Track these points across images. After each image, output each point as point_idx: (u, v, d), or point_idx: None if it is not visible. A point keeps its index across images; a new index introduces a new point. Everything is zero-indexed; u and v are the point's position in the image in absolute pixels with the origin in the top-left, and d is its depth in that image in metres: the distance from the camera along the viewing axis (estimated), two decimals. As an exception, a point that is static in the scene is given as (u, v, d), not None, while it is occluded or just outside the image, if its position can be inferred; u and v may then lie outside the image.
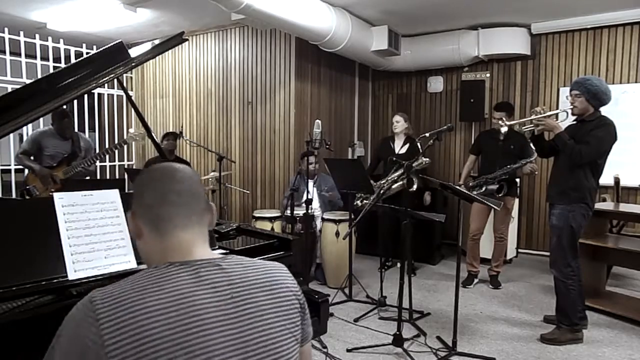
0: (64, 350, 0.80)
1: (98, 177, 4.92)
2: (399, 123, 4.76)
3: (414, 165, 3.45)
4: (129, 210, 1.00)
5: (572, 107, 3.15)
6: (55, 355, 0.81)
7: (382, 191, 3.43)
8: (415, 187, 4.27)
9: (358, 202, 4.32)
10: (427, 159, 4.03)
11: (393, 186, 4.09)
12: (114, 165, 6.12)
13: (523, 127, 3.43)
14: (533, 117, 3.21)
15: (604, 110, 3.18)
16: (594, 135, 3.02)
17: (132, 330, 0.77)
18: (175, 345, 0.78)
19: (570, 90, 3.20)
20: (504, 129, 3.60)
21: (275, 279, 0.95)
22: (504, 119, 3.62)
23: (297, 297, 0.97)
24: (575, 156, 3.04)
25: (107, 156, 5.66)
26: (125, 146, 5.67)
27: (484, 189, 4.19)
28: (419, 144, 4.37)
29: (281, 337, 0.90)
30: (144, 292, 0.82)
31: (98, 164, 3.99)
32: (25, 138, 4.42)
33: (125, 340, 0.76)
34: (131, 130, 4.40)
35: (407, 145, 4.74)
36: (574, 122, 3.26)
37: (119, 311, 0.79)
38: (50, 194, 1.60)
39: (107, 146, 6.19)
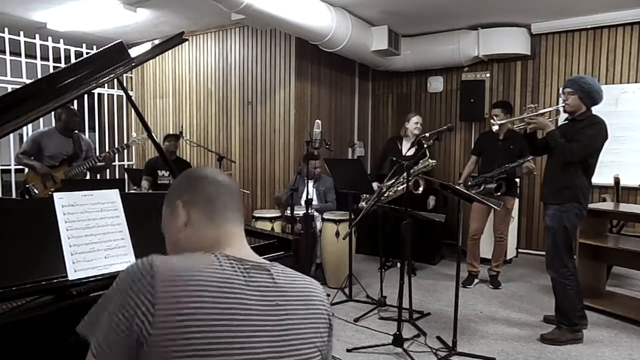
0: (115, 305, 0.80)
1: (98, 177, 4.92)
2: (421, 125, 4.69)
3: (417, 166, 3.44)
4: (138, 212, 1.02)
5: (564, 104, 3.16)
6: (106, 307, 0.81)
7: (383, 191, 3.42)
8: (421, 189, 4.26)
9: (363, 203, 4.30)
10: (434, 161, 4.01)
11: (398, 188, 4.07)
12: (114, 165, 6.12)
13: (515, 126, 3.46)
14: (525, 115, 3.23)
15: (600, 110, 3.20)
16: (585, 133, 3.05)
17: (185, 309, 0.77)
18: (219, 336, 0.78)
19: (564, 88, 3.22)
20: (495, 127, 3.72)
21: (313, 293, 0.97)
22: (494, 117, 3.68)
23: (328, 314, 0.99)
24: (567, 154, 3.06)
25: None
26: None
27: (482, 187, 4.20)
28: (425, 146, 4.38)
29: (311, 351, 0.91)
30: (203, 275, 0.83)
31: (98, 164, 3.98)
32: (25, 138, 4.42)
33: (175, 316, 0.77)
34: (133, 135, 4.41)
35: (414, 147, 4.61)
36: (566, 122, 3.29)
37: (177, 284, 0.79)
38: (50, 193, 1.60)
39: (107, 148, 6.20)
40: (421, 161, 3.93)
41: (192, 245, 0.97)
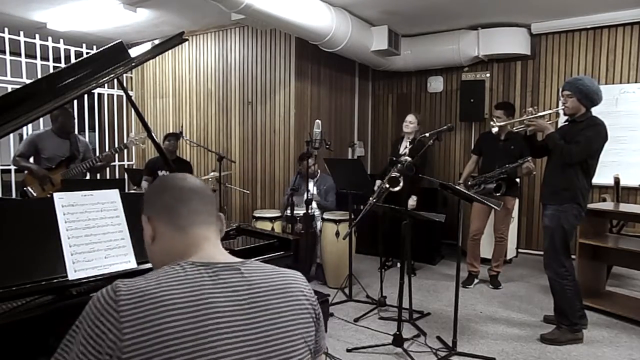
0: (82, 335, 0.80)
1: (98, 177, 4.92)
2: (412, 124, 4.62)
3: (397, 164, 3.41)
4: (138, 212, 1.03)
5: (564, 107, 3.17)
6: (74, 340, 0.81)
7: (382, 191, 3.42)
8: (398, 187, 4.21)
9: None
10: (408, 158, 3.98)
11: (376, 187, 4.07)
12: (114, 165, 6.12)
13: (514, 128, 3.48)
14: (524, 117, 3.25)
15: (600, 111, 3.20)
16: (584, 135, 3.06)
17: (152, 328, 0.78)
18: (190, 347, 0.78)
19: (562, 91, 3.23)
20: (494, 129, 3.75)
21: (291, 285, 0.96)
22: (494, 119, 3.70)
23: (313, 306, 0.97)
24: (566, 156, 3.07)
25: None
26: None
27: (482, 187, 4.20)
28: (410, 145, 4.37)
29: (295, 344, 0.90)
30: (168, 291, 0.82)
31: (97, 164, 3.97)
32: (25, 138, 4.41)
33: (144, 337, 0.77)
34: (132, 134, 4.40)
35: (410, 147, 4.66)
36: (566, 123, 3.30)
37: (142, 306, 0.79)
38: (49, 195, 1.60)
39: (107, 148, 6.19)
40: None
41: (163, 256, 0.97)
